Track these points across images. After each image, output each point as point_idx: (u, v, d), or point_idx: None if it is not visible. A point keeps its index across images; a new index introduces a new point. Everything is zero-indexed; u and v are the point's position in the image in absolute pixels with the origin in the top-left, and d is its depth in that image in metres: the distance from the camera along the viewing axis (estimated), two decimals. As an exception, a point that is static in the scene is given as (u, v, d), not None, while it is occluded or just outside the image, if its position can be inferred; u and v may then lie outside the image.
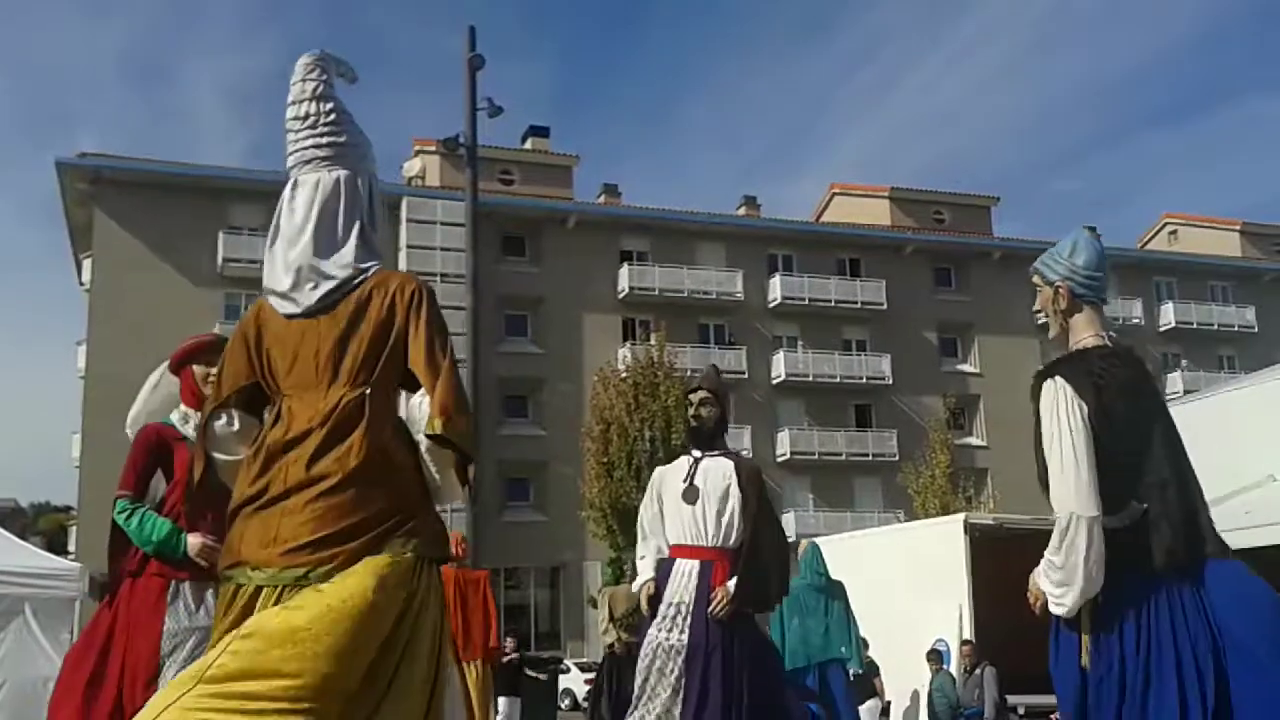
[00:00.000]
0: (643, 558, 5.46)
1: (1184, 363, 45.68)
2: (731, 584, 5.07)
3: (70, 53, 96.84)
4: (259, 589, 2.68)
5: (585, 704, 26.64)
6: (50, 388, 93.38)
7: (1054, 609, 3.26)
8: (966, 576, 13.62)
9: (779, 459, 39.94)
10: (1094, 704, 3.11)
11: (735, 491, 5.22)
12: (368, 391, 2.80)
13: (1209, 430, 14.66)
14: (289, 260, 2.90)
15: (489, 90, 16.70)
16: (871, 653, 14.80)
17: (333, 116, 3.05)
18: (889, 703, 14.44)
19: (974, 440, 42.49)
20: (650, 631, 5.19)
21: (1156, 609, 3.09)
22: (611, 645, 10.77)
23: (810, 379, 40.76)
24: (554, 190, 41.53)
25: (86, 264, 36.82)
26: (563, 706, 24.79)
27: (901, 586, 14.40)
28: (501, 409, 37.00)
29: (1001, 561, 13.97)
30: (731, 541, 5.19)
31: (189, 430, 4.27)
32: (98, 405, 33.52)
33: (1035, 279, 3.57)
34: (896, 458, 39.06)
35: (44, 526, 54.97)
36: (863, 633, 14.56)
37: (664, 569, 5.29)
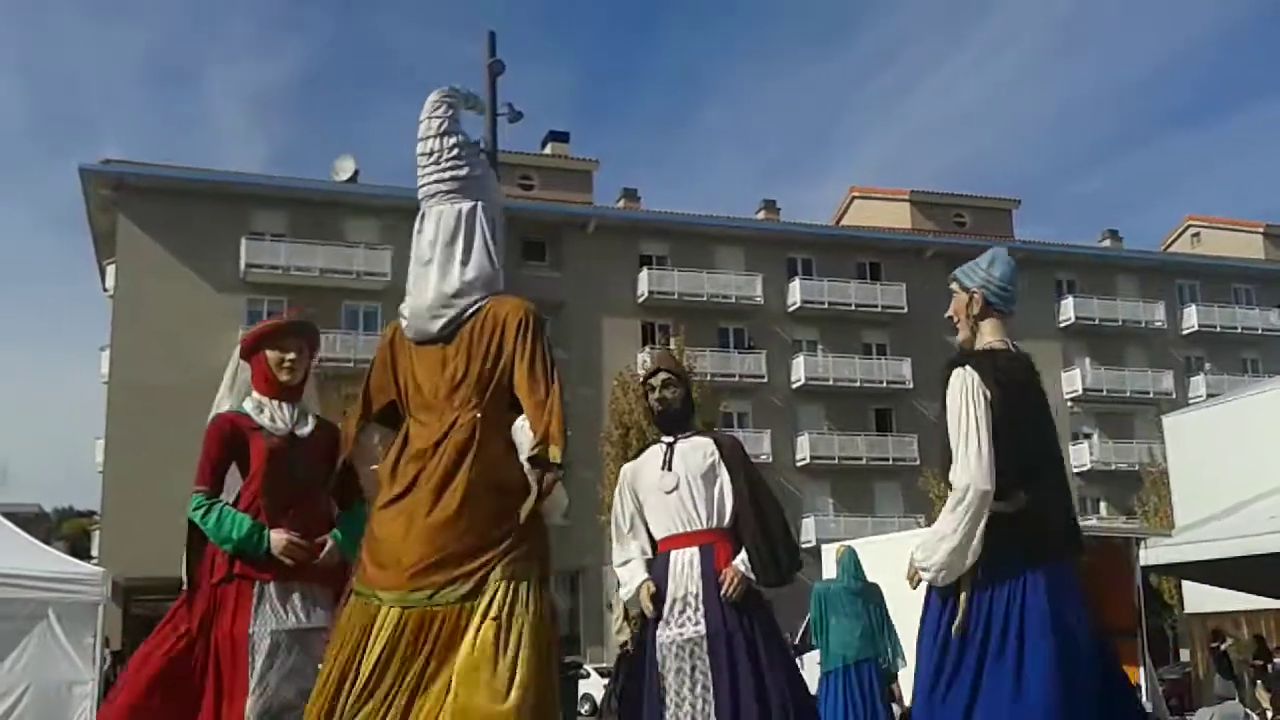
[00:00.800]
0: (625, 561, 4.85)
1: (1207, 366, 45.36)
2: (739, 561, 4.57)
3: (91, 60, 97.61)
4: (395, 607, 3.00)
5: (601, 708, 26.67)
6: (74, 393, 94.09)
7: (935, 575, 3.46)
8: (988, 581, 13.54)
9: (799, 463, 39.84)
10: (955, 661, 3.34)
11: (721, 467, 4.75)
12: (478, 415, 3.04)
13: (1233, 433, 14.61)
14: (418, 289, 3.18)
15: (509, 95, 16.75)
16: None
17: (455, 151, 3.25)
18: (909, 708, 14.36)
19: (995, 444, 42.25)
20: (658, 632, 4.61)
21: (1026, 587, 3.36)
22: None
23: (830, 383, 40.65)
24: (574, 195, 41.58)
25: (110, 270, 37.05)
26: (582, 712, 24.77)
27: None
28: (521, 414, 36.99)
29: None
30: (726, 520, 4.69)
31: (264, 419, 4.03)
32: (121, 410, 33.75)
33: (954, 285, 3.93)
34: (917, 462, 38.90)
35: (67, 531, 55.31)
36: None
37: (658, 565, 4.73)
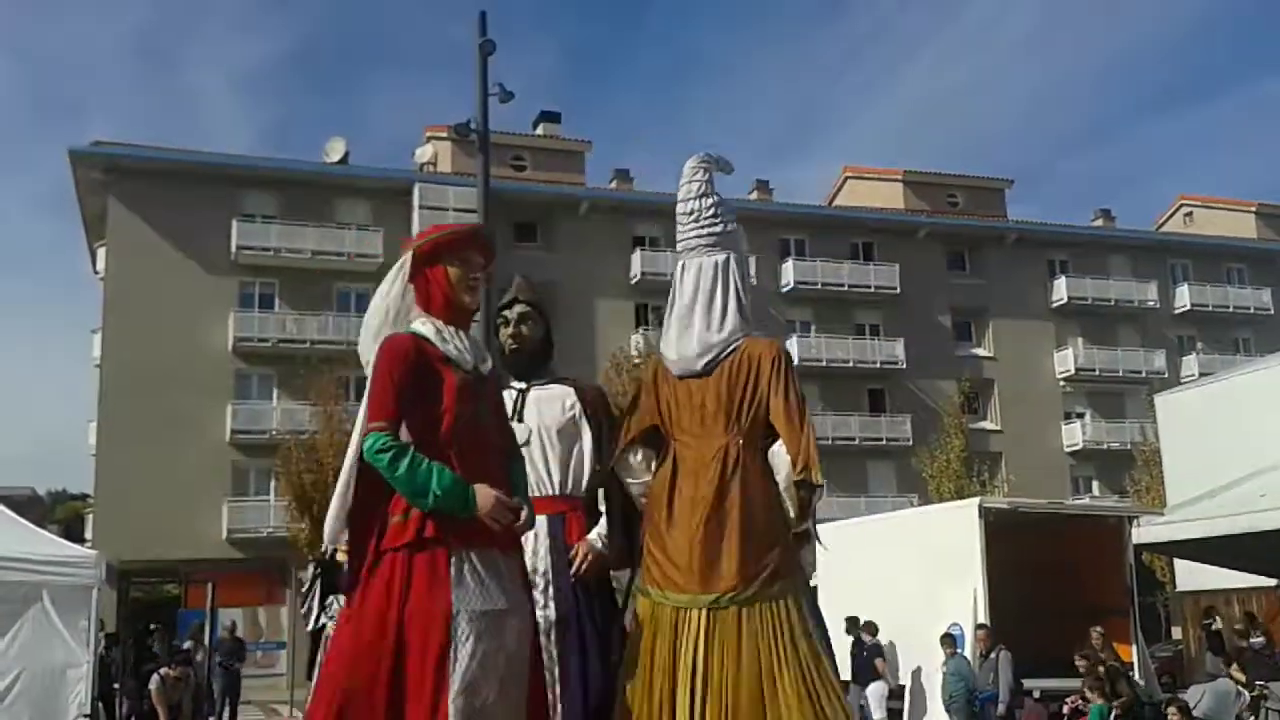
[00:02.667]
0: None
1: (1199, 345, 45.46)
2: (595, 534, 3.86)
3: (79, 41, 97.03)
4: (691, 609, 3.34)
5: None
6: (66, 376, 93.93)
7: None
8: (981, 560, 13.62)
9: (792, 444, 39.86)
10: None
11: (583, 422, 4.01)
12: (741, 440, 3.45)
13: (1225, 413, 14.67)
14: (682, 331, 3.62)
15: (500, 76, 16.64)
16: (884, 636, 14.85)
17: (712, 211, 3.78)
18: (902, 686, 14.44)
19: (988, 424, 42.39)
20: None
21: None
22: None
23: (823, 363, 40.67)
24: (566, 176, 41.48)
25: (101, 252, 36.95)
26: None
27: (916, 570, 14.41)
28: (515, 395, 37.01)
29: (1016, 546, 13.99)
30: (584, 486, 3.97)
31: (451, 350, 3.31)
32: (113, 393, 33.69)
33: None
34: (910, 442, 38.99)
35: (61, 515, 55.37)
36: (874, 617, 14.62)
37: None
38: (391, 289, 3.42)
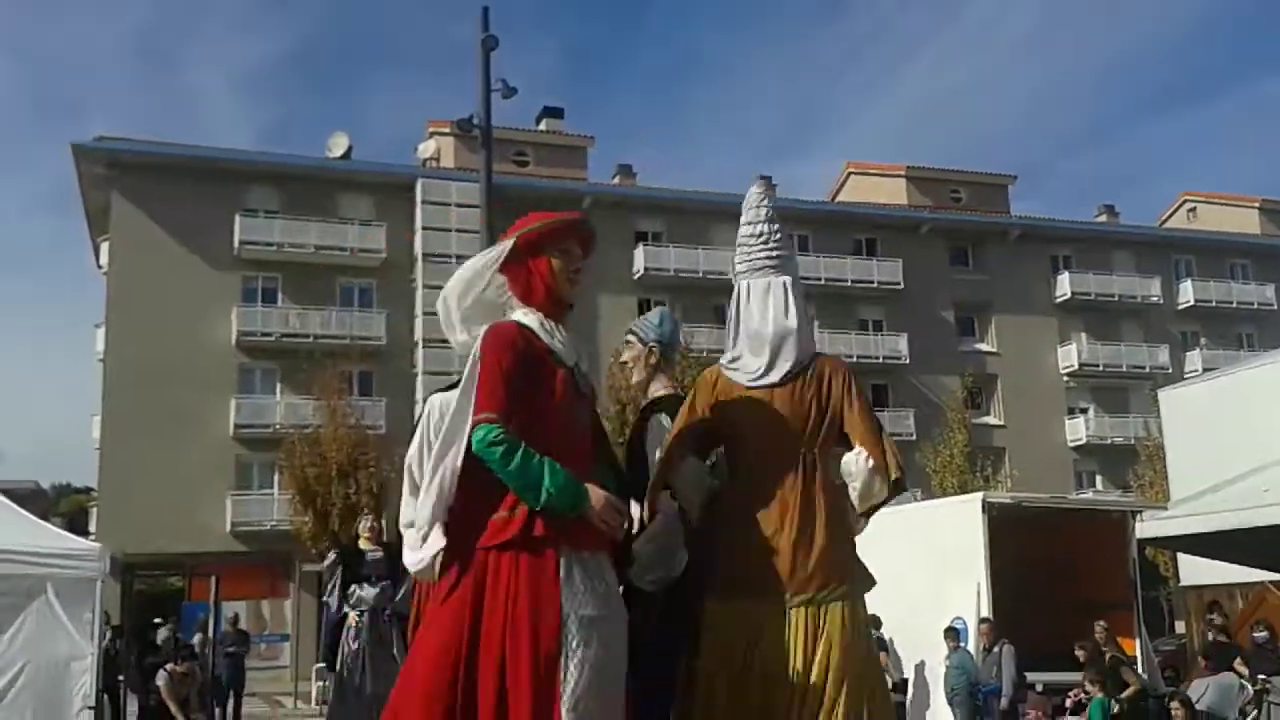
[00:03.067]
0: (410, 524, 3.65)
1: (1203, 341, 45.43)
2: None
3: (79, 41, 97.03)
4: (768, 611, 3.48)
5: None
6: (70, 370, 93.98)
7: None
8: (984, 555, 13.62)
9: (795, 439, 39.88)
10: None
11: None
12: (816, 450, 3.60)
13: (1228, 408, 14.63)
14: (757, 348, 3.69)
15: (503, 71, 16.63)
16: (887, 630, 14.85)
17: (778, 236, 3.91)
18: (905, 680, 14.43)
19: (991, 419, 42.38)
20: None
21: None
22: None
23: (827, 359, 40.65)
24: (568, 171, 41.47)
25: (104, 247, 36.99)
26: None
27: (920, 565, 14.39)
28: (518, 390, 37.03)
29: (1019, 540, 13.99)
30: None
31: (556, 344, 3.18)
32: (117, 387, 33.75)
33: (631, 337, 4.22)
34: (914, 437, 38.97)
35: (65, 508, 55.35)
36: (877, 611, 14.62)
37: None
38: (483, 276, 3.26)
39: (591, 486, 2.99)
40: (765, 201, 4.01)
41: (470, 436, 2.95)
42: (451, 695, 2.83)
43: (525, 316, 3.18)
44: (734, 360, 3.73)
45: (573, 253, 3.30)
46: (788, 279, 3.83)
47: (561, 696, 2.84)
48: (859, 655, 3.51)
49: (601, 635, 2.94)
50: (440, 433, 3.15)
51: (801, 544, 3.49)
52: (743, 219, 3.95)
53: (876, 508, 3.69)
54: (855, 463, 3.60)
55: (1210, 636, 13.39)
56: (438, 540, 3.03)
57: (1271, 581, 14.01)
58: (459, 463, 3.01)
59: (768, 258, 3.86)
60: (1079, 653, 12.65)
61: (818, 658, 3.44)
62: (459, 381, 3.55)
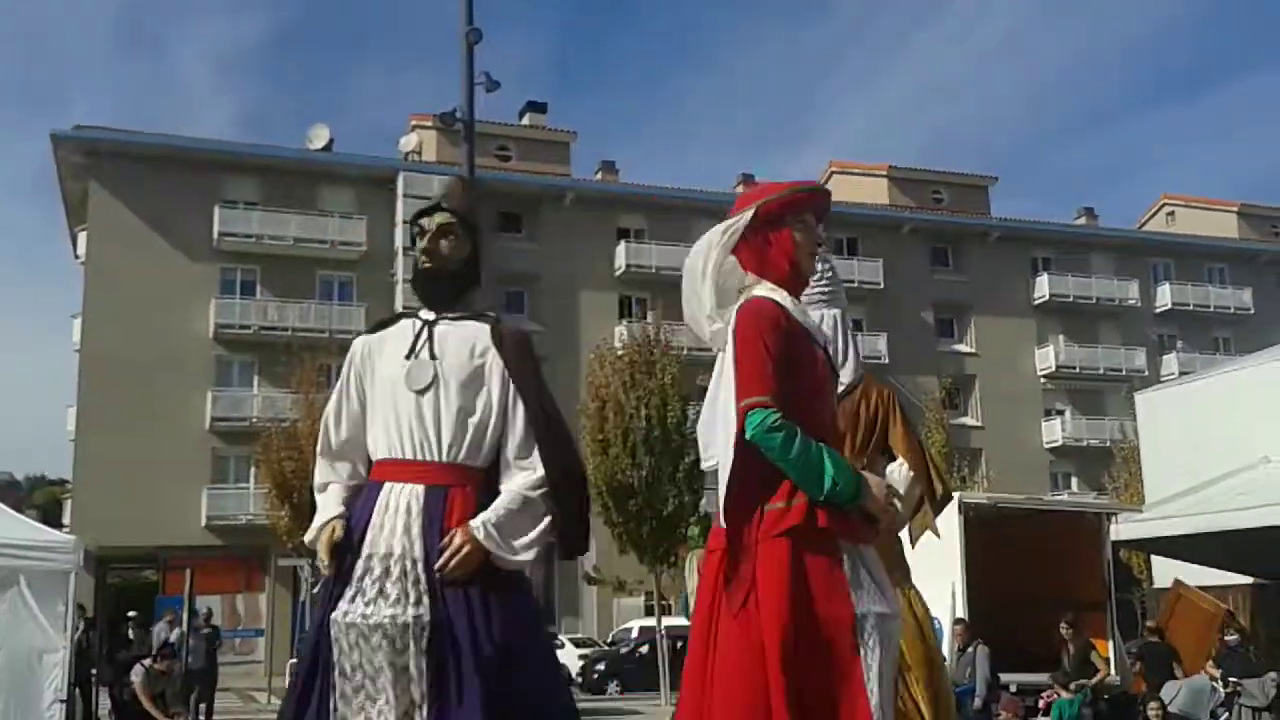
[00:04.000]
0: (324, 486, 3.28)
1: (1180, 344, 45.71)
2: (480, 521, 3.02)
3: (59, 26, 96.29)
4: None
5: (579, 680, 26.78)
6: (46, 361, 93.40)
7: None
8: (960, 555, 13.67)
9: (774, 437, 39.90)
10: None
11: (493, 373, 3.18)
12: (865, 460, 4.04)
13: (1204, 412, 14.73)
14: None
15: (486, 65, 16.62)
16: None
17: (831, 274, 4.39)
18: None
19: (969, 420, 42.54)
20: (339, 606, 3.03)
21: None
22: None
23: (806, 358, 40.74)
24: (551, 167, 41.40)
25: (82, 237, 36.72)
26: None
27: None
28: (497, 385, 36.96)
29: (995, 541, 14.05)
30: (480, 455, 3.15)
31: (807, 318, 3.00)
32: (93, 378, 33.51)
33: None
34: (891, 437, 39.09)
35: (39, 500, 55.05)
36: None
37: (363, 502, 3.15)
38: (722, 252, 2.99)
39: (870, 476, 2.82)
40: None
41: (742, 423, 2.70)
42: (754, 700, 2.62)
43: (772, 292, 2.92)
44: None
45: (811, 224, 3.04)
46: (838, 311, 4.37)
47: (870, 700, 2.64)
48: (925, 632, 4.29)
49: (890, 634, 2.77)
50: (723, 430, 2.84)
51: None
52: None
53: (924, 520, 4.32)
54: (897, 471, 4.19)
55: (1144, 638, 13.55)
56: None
57: (1215, 582, 14.10)
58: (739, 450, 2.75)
59: (821, 293, 4.27)
60: (1064, 629, 12.83)
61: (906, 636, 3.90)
62: (384, 323, 3.35)
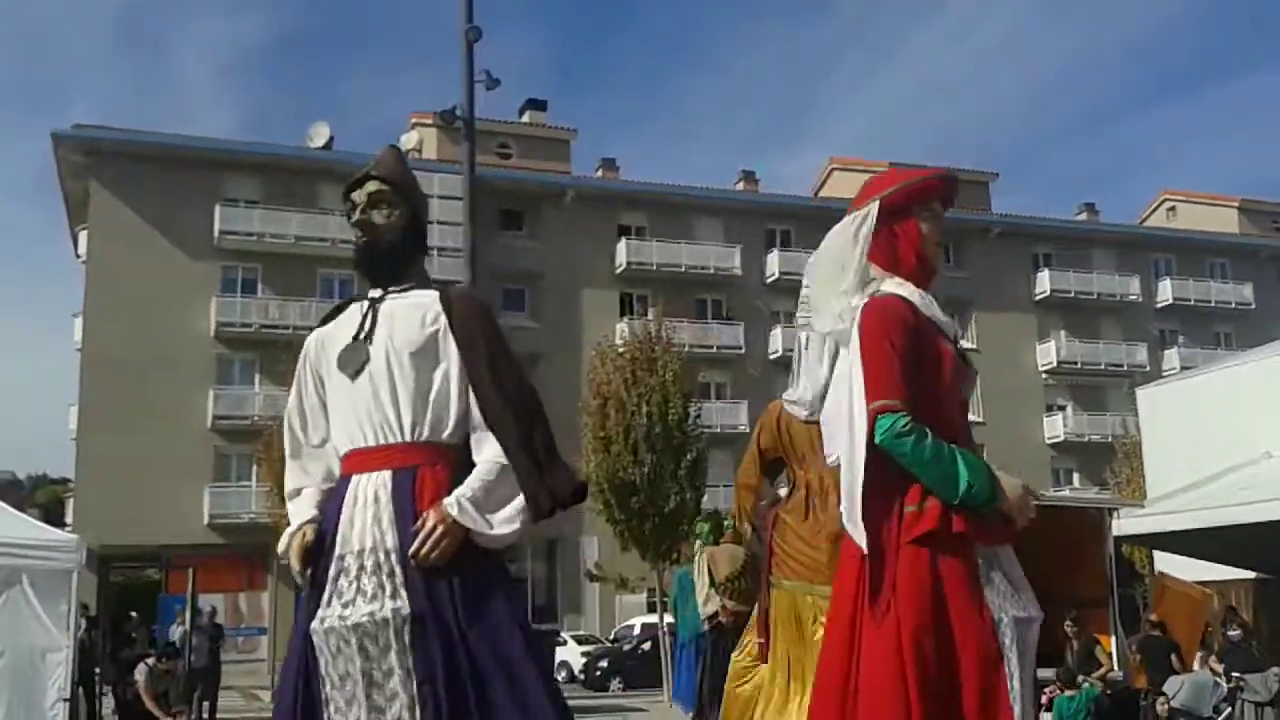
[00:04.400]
0: (296, 492, 3.11)
1: (1181, 339, 45.70)
2: (454, 499, 2.81)
3: (60, 25, 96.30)
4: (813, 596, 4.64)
5: (582, 677, 26.78)
6: (48, 360, 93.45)
7: None
8: (962, 552, 13.66)
9: (776, 434, 39.92)
10: None
11: (448, 343, 2.96)
12: None
13: (1206, 407, 14.72)
14: (806, 386, 4.46)
15: (486, 63, 16.63)
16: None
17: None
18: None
19: (970, 416, 42.33)
20: (317, 614, 2.87)
21: None
22: (714, 615, 9.23)
23: (807, 354, 40.72)
24: (552, 164, 41.39)
25: (83, 236, 36.73)
26: (559, 679, 24.86)
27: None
28: (499, 383, 36.98)
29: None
30: (448, 429, 2.94)
31: (936, 312, 2.87)
32: (94, 377, 33.52)
33: None
34: (893, 433, 39.11)
35: (41, 499, 55.10)
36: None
37: (333, 501, 2.97)
38: (855, 247, 2.91)
39: (1005, 476, 2.71)
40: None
41: (872, 427, 2.63)
42: (893, 703, 2.55)
43: (899, 288, 2.83)
44: (795, 394, 4.61)
45: (939, 213, 2.95)
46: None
47: (1013, 706, 2.55)
48: None
49: (1029, 639, 2.67)
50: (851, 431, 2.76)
51: (832, 540, 4.28)
52: (805, 277, 3.51)
53: None
54: None
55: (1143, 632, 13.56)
56: (860, 538, 2.69)
57: (1216, 578, 14.11)
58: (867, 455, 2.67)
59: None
60: (1068, 626, 12.86)
61: None
62: (334, 313, 3.19)
